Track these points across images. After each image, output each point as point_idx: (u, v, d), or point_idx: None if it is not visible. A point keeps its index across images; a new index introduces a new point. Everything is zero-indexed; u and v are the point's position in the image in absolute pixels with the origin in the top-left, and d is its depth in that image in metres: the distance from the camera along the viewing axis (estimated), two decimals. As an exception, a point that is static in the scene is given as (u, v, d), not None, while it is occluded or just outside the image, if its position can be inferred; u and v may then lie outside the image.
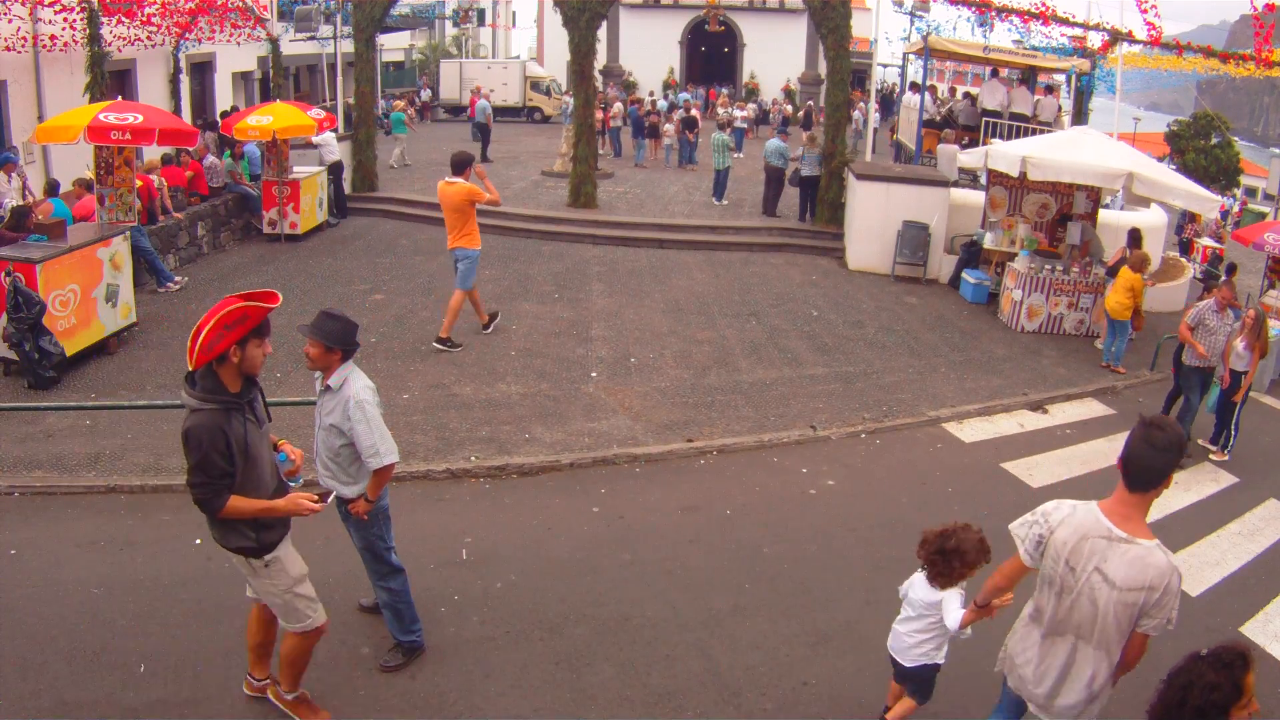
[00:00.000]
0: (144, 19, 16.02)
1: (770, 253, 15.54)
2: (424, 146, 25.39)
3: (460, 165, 9.72)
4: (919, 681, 4.33)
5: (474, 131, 27.72)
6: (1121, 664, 3.41)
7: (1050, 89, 21.02)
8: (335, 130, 16.43)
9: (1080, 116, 20.78)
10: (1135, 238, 11.58)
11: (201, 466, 3.80)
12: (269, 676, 4.67)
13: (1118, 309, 10.59)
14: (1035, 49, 20.39)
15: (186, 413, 3.85)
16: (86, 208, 11.02)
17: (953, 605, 4.00)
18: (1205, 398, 8.87)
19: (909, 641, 4.24)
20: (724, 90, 35.36)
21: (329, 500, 4.23)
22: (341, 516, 5.02)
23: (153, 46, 17.16)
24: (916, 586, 4.21)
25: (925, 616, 4.15)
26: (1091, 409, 9.83)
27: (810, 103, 31.43)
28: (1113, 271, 11.57)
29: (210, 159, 14.73)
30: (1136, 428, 3.27)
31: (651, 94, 33.99)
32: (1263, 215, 26.65)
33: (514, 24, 51.61)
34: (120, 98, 14.51)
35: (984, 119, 19.33)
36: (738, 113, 26.62)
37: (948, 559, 3.98)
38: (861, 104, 25.77)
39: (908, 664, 4.26)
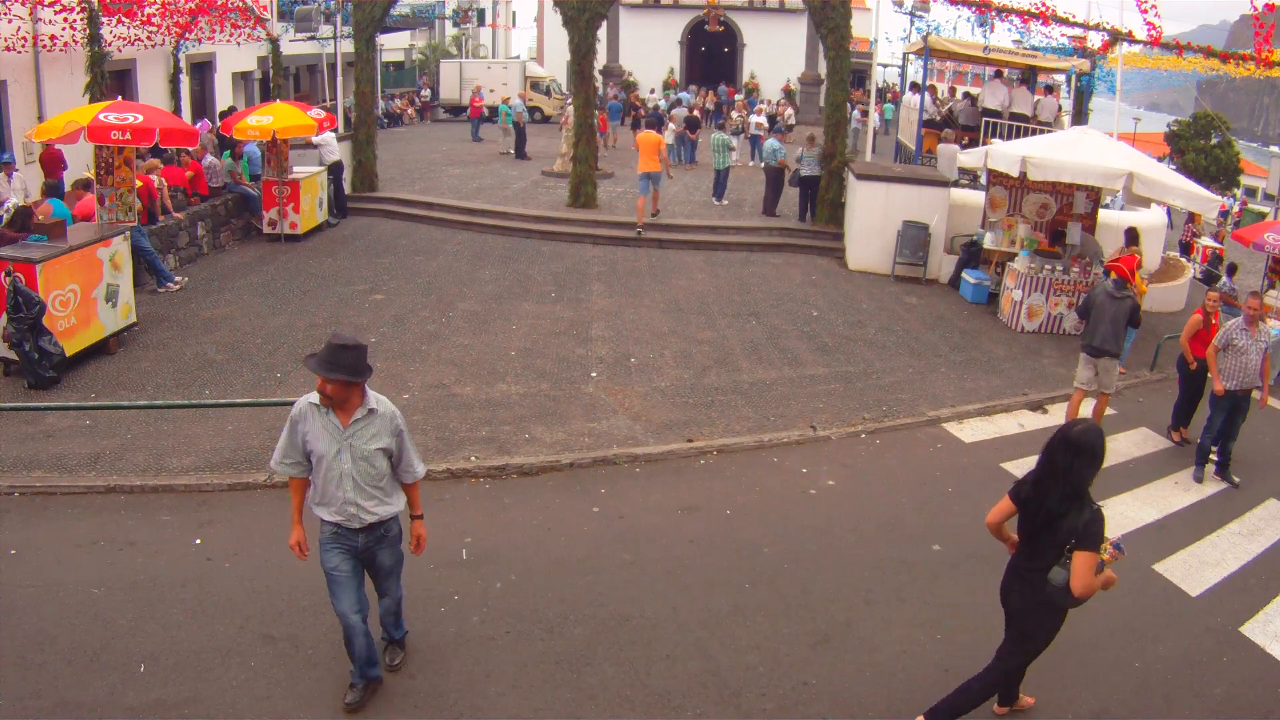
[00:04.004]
0: (144, 19, 16.00)
1: (770, 253, 15.54)
2: (424, 146, 25.41)
3: (654, 123, 15.97)
4: None
5: (473, 130, 27.85)
6: None
7: (1050, 89, 20.97)
8: (335, 130, 16.43)
9: (1080, 116, 20.75)
10: (1132, 236, 11.61)
11: None
12: None
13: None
14: (1035, 49, 20.35)
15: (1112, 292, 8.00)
16: (87, 208, 11.01)
17: None
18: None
19: None
20: (739, 97, 35.24)
21: None
22: (371, 542, 4.59)
23: (153, 46, 17.15)
24: None
25: None
26: (1091, 409, 9.80)
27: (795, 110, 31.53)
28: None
29: (210, 159, 14.72)
30: None
31: (652, 91, 33.97)
32: (1263, 215, 26.69)
33: (514, 24, 51.57)
34: (120, 98, 14.51)
35: (984, 119, 19.29)
36: (755, 118, 26.50)
37: None
38: (863, 104, 25.75)
39: None
